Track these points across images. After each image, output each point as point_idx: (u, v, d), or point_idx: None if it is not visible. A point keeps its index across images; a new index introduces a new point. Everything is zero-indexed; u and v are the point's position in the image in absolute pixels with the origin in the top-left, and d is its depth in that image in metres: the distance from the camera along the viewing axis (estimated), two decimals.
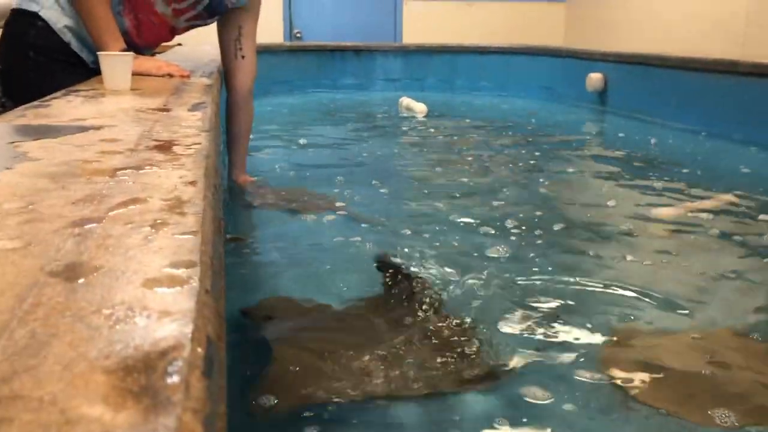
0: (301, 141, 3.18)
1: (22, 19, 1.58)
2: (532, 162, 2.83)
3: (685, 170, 2.64)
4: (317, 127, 3.65)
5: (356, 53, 5.21)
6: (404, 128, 3.75)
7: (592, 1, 6.20)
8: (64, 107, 1.16)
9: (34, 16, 1.57)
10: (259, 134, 2.97)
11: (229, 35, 1.93)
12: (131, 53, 1.47)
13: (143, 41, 1.75)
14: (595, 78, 4.07)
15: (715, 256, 1.71)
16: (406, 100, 4.19)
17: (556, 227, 1.86)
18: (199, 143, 0.88)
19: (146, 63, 1.64)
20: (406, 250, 1.63)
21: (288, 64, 4.91)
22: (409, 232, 1.78)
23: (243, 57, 1.94)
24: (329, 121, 3.91)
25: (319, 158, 2.96)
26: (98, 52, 1.46)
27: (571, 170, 2.72)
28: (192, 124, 1.04)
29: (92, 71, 1.66)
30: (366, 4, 6.62)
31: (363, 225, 1.88)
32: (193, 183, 0.67)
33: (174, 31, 1.81)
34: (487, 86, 5.05)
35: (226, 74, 2.01)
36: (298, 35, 6.47)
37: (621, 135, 3.54)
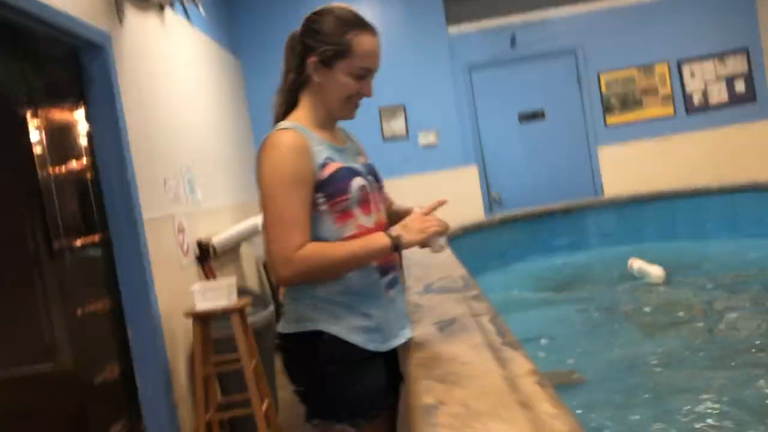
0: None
1: (305, 338, 1.61)
2: None
3: None
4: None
5: (564, 213, 5.16)
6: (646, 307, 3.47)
7: None
8: None
9: (316, 333, 1.59)
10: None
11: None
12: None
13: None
14: None
15: None
16: (637, 263, 4.00)
17: None
18: None
19: (412, 235, 1.59)
20: None
21: (501, 235, 4.96)
22: None
23: None
24: (555, 301, 3.79)
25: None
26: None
27: None
28: None
29: (383, 355, 1.66)
30: (558, 156, 6.64)
31: None
32: None
33: None
34: (712, 229, 4.76)
35: None
36: (496, 199, 6.57)
37: None
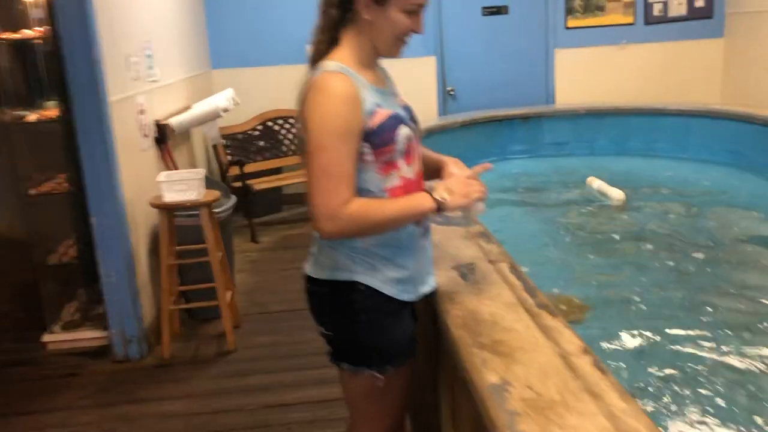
0: None
1: (340, 288, 1.60)
2: None
3: None
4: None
5: (524, 120, 5.21)
6: (611, 228, 3.56)
7: (753, 35, 5.95)
8: None
9: (351, 283, 1.59)
10: None
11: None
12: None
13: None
14: None
15: None
16: (596, 182, 4.12)
17: None
18: None
19: (457, 199, 1.57)
20: None
21: (462, 138, 4.98)
22: None
23: None
24: (515, 204, 3.87)
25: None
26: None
27: None
28: None
29: (411, 306, 1.69)
30: (516, 56, 6.59)
31: None
32: None
33: None
34: (663, 148, 4.92)
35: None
36: (452, 92, 6.52)
37: None
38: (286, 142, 6.15)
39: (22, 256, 3.84)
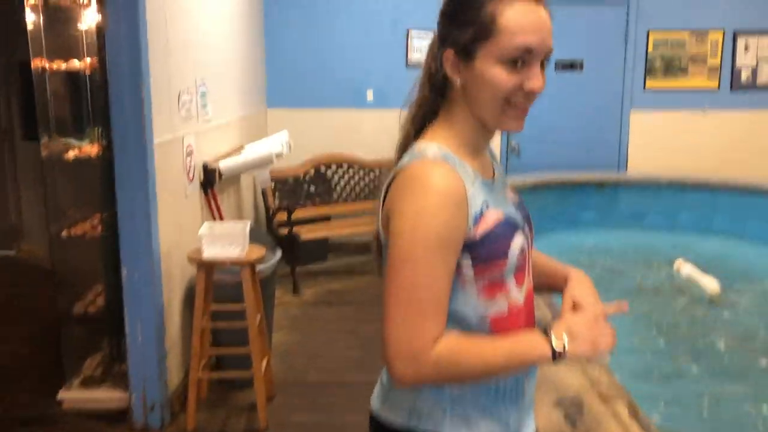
0: None
1: None
2: None
3: None
4: None
5: (599, 187, 4.77)
6: (710, 328, 3.03)
7: None
8: None
9: None
10: None
11: None
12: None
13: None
14: None
15: None
16: (686, 268, 3.64)
17: None
18: None
19: (582, 346, 1.13)
20: None
21: (530, 202, 4.55)
22: None
23: None
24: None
25: None
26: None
27: None
28: None
29: None
30: (589, 114, 6.18)
31: None
32: None
33: None
34: (756, 230, 4.42)
35: None
36: (516, 148, 6.12)
37: None
38: (338, 188, 5.82)
39: (48, 299, 3.55)
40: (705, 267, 3.60)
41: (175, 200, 3.37)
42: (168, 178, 3.24)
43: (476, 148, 1.23)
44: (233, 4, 4.73)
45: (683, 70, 6.11)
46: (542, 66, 1.17)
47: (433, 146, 1.17)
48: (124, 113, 2.95)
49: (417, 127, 1.26)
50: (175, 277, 3.34)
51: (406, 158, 1.18)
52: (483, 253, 1.14)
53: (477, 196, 1.15)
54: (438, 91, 1.24)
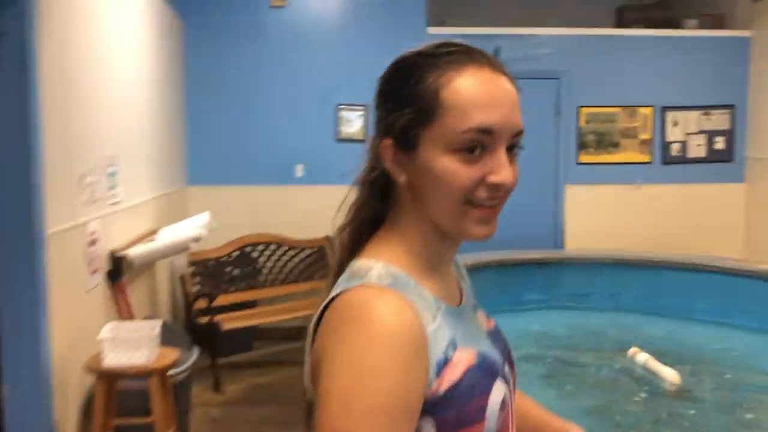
0: None
1: None
2: None
3: None
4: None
5: (540, 266, 4.55)
6: (678, 428, 2.78)
7: None
8: None
9: None
10: None
11: None
12: None
13: None
14: None
15: None
16: (641, 356, 3.40)
17: None
18: None
19: None
20: None
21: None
22: None
23: None
24: (546, 383, 3.18)
25: None
26: None
27: None
28: None
29: None
30: (525, 187, 6.03)
31: None
32: None
33: None
34: (704, 310, 4.25)
35: None
36: None
37: None
38: (264, 271, 5.41)
39: None
40: (657, 351, 3.38)
41: (74, 297, 2.92)
42: (65, 272, 2.81)
43: (435, 263, 0.92)
44: (149, 74, 4.38)
45: (615, 145, 6.08)
46: (511, 151, 0.90)
47: (377, 266, 0.85)
48: (6, 204, 2.52)
49: (354, 240, 0.94)
50: (72, 388, 2.86)
51: (341, 282, 0.86)
52: (450, 414, 0.81)
53: (440, 336, 0.83)
54: (379, 193, 0.94)
